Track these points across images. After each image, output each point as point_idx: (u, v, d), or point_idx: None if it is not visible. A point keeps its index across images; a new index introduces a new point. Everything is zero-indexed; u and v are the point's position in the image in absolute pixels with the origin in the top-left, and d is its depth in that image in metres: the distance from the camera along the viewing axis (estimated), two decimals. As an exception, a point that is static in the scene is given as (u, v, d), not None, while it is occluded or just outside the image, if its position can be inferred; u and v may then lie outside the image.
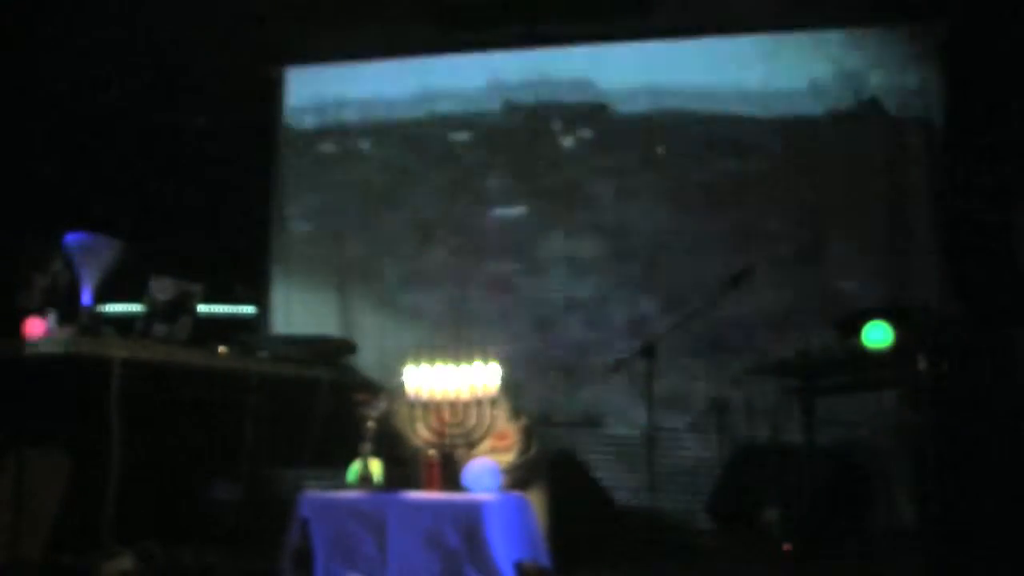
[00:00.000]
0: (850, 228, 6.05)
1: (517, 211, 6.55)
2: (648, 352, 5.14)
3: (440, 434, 3.83)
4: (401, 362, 3.94)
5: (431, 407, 3.86)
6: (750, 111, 6.27)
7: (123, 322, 4.32)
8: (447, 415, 3.84)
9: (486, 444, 4.00)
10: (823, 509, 4.66)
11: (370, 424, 3.80)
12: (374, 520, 3.57)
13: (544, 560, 3.79)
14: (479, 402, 3.82)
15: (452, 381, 3.86)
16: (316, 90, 6.92)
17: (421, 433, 3.85)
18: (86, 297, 4.30)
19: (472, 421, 3.82)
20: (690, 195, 6.29)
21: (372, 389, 4.28)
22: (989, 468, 3.75)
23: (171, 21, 6.05)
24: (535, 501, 4.00)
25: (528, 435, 4.23)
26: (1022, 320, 3.80)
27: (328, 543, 3.59)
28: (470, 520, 3.49)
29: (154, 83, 6.44)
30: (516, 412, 4.28)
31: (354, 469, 3.77)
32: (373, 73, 6.85)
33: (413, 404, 3.86)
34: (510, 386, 4.11)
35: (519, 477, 4.05)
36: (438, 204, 6.63)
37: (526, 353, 6.21)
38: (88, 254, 4.34)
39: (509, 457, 4.10)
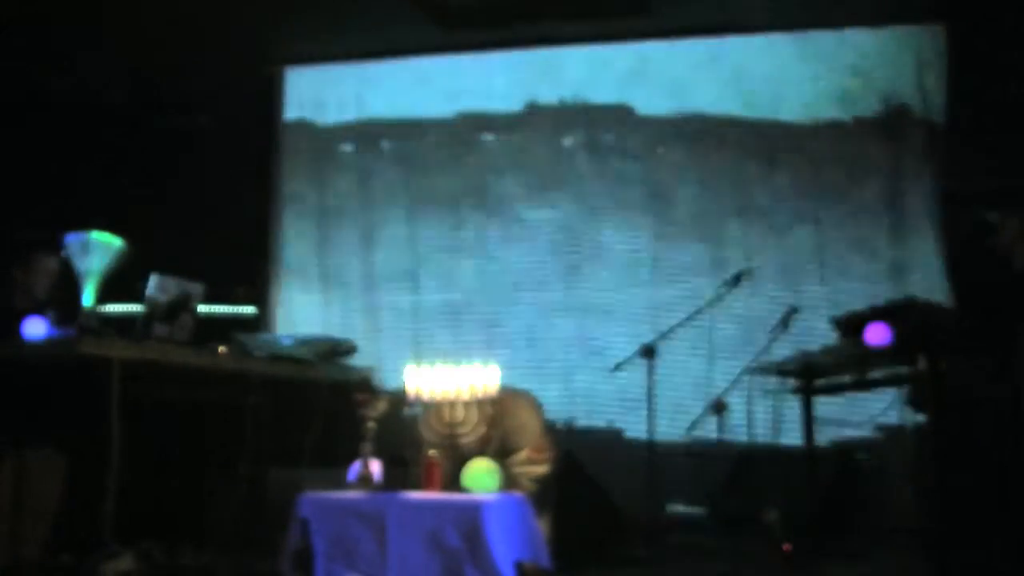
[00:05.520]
0: (851, 228, 6.06)
1: (519, 209, 6.56)
2: (648, 352, 5.14)
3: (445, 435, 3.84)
4: (402, 363, 3.94)
5: (433, 408, 3.86)
6: (750, 110, 6.28)
7: (123, 322, 4.31)
8: (451, 415, 3.84)
9: (523, 454, 4.01)
10: (823, 509, 4.65)
11: (370, 424, 3.80)
12: (374, 520, 3.57)
13: (544, 560, 3.79)
14: (479, 402, 3.83)
15: (454, 381, 3.86)
16: (316, 90, 6.92)
17: (429, 435, 3.85)
18: (86, 297, 4.30)
19: (474, 420, 3.83)
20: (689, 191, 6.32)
21: (372, 389, 4.28)
22: (989, 468, 3.75)
23: (171, 21, 6.05)
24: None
25: (555, 447, 4.25)
26: (1021, 320, 3.80)
27: (328, 543, 3.59)
28: (470, 520, 3.49)
29: (154, 83, 6.44)
30: (546, 424, 4.29)
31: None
32: (373, 72, 6.86)
33: (433, 407, 3.86)
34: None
35: (547, 491, 4.06)
36: (439, 203, 6.63)
37: (528, 353, 6.22)
38: (88, 254, 4.34)
39: (542, 470, 4.10)
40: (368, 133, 6.82)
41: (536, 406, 4.27)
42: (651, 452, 5.07)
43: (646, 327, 5.85)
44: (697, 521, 5.49)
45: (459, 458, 3.81)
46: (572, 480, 4.67)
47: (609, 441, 5.99)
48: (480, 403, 3.87)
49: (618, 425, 6.04)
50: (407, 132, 6.75)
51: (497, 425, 3.97)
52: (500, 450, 3.96)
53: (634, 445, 5.67)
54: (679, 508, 5.41)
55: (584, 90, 6.50)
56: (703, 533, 5.25)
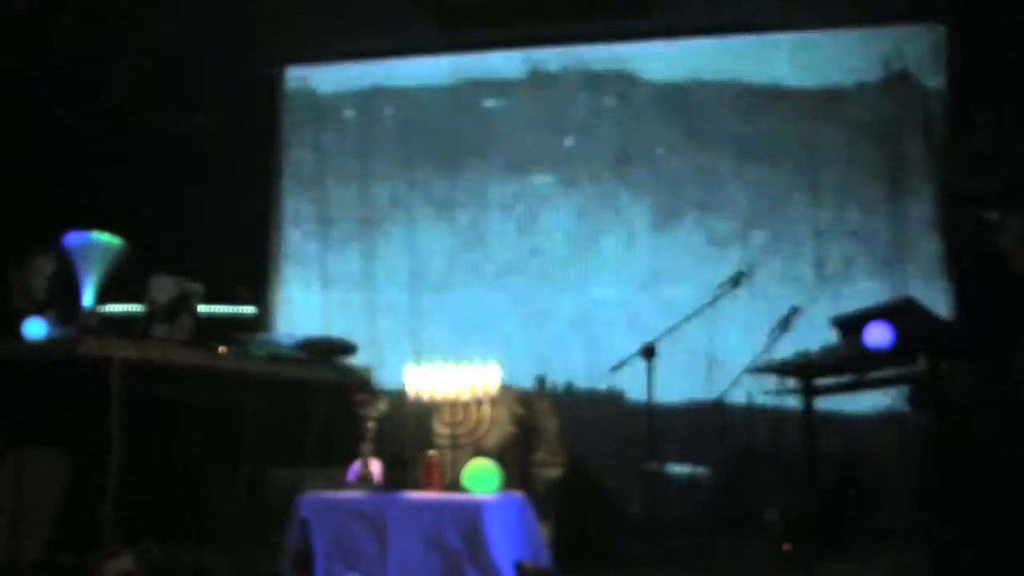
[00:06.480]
0: (851, 228, 6.07)
1: (516, 204, 6.57)
2: (648, 352, 5.14)
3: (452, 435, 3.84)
4: (402, 363, 3.94)
5: (446, 407, 3.86)
6: (751, 111, 6.29)
7: (123, 322, 4.31)
8: (464, 414, 3.84)
9: (538, 455, 4.02)
10: (823, 509, 4.65)
11: (370, 424, 3.80)
12: (374, 520, 3.57)
13: (544, 560, 3.79)
14: (479, 401, 3.83)
15: (456, 381, 3.85)
16: (316, 90, 6.93)
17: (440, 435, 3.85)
18: (86, 297, 4.30)
19: (473, 420, 3.83)
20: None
21: (372, 389, 4.28)
22: (989, 468, 3.75)
23: (172, 21, 6.04)
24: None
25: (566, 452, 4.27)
26: (1021, 320, 3.80)
27: (328, 543, 3.59)
28: (470, 520, 3.49)
29: (155, 83, 6.44)
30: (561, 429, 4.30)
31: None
32: (372, 72, 6.86)
33: (445, 406, 3.86)
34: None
35: (553, 494, 4.06)
36: (439, 202, 6.64)
37: (528, 349, 6.23)
38: (88, 254, 4.34)
39: (554, 472, 4.11)
40: (369, 133, 6.82)
41: (555, 409, 4.29)
42: (651, 451, 5.07)
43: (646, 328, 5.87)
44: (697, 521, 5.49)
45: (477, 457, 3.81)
46: (574, 481, 4.67)
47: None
48: (507, 402, 3.88)
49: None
50: (408, 131, 6.75)
51: (524, 424, 3.99)
52: (522, 449, 3.98)
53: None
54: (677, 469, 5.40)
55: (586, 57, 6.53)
56: (703, 534, 5.25)
